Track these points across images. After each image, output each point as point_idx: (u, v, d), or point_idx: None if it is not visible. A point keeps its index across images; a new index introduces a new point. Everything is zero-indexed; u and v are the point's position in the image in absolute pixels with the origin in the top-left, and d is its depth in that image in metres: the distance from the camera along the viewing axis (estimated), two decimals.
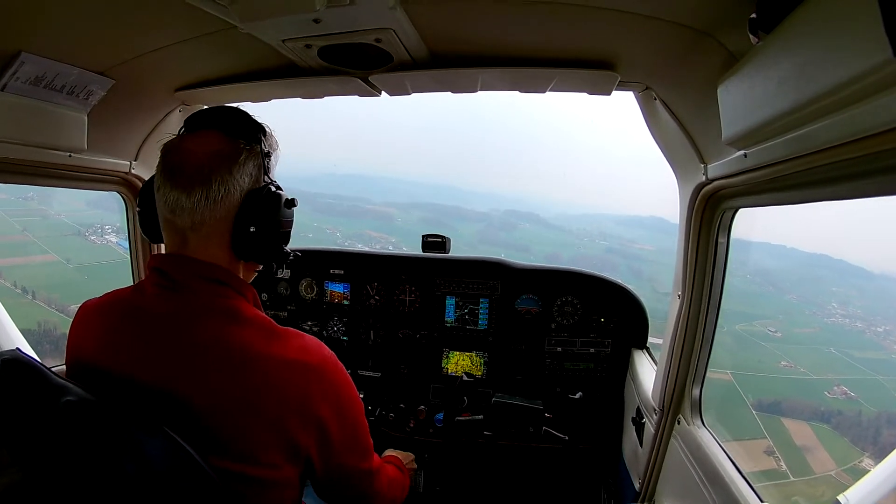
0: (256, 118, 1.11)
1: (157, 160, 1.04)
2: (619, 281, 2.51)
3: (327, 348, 1.08)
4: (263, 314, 1.06)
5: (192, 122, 1.07)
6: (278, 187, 1.09)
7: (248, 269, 1.13)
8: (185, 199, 0.98)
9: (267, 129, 1.12)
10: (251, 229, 1.02)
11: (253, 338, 0.97)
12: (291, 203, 1.11)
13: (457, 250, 2.64)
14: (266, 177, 1.07)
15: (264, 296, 2.72)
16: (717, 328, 1.69)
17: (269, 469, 0.97)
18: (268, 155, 1.08)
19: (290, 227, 1.13)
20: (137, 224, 2.12)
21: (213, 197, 0.99)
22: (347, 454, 1.09)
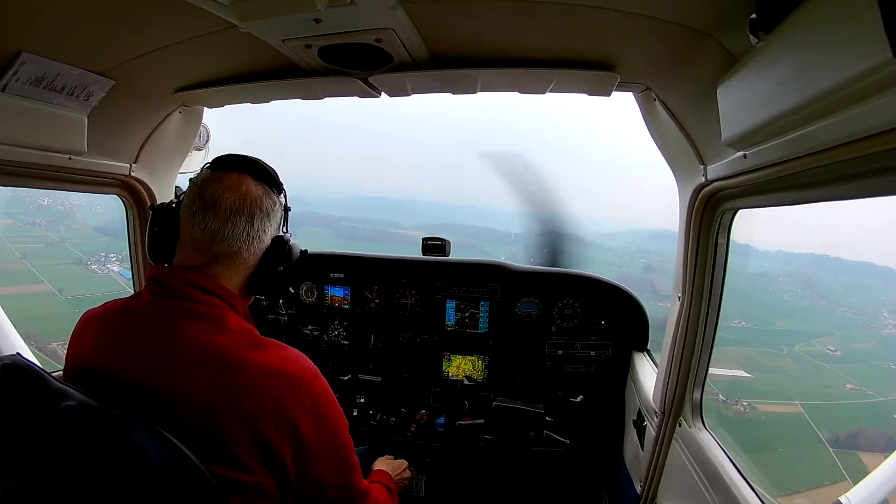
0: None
1: (158, 162, 1.09)
2: (619, 283, 2.50)
3: (309, 361, 1.11)
4: (251, 326, 1.12)
5: (224, 163, 1.16)
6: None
7: (246, 298, 1.22)
8: (228, 230, 1.09)
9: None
10: (280, 268, 1.18)
11: (236, 345, 1.03)
12: (305, 253, 1.30)
13: None
14: (284, 227, 1.25)
15: (264, 300, 2.71)
16: (718, 331, 1.68)
17: (245, 473, 0.99)
18: (288, 209, 1.25)
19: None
20: (138, 228, 2.12)
21: (253, 235, 1.13)
22: (325, 466, 1.10)
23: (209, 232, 1.08)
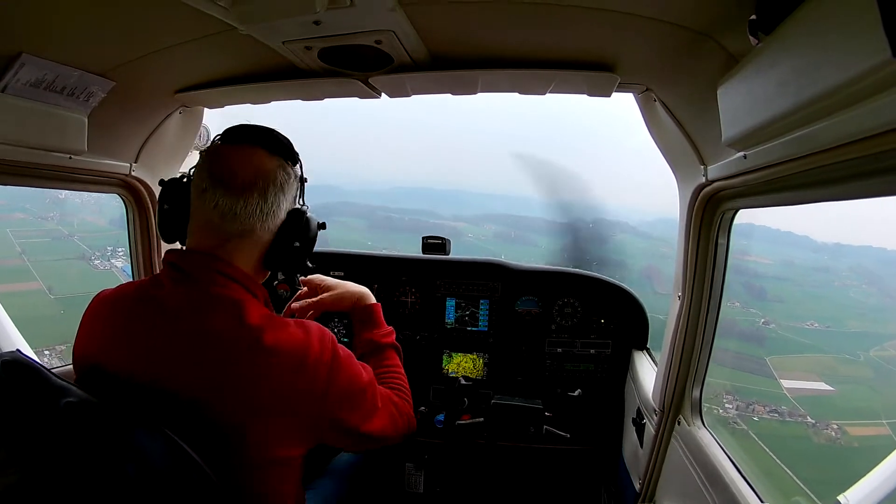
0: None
1: (158, 162, 1.08)
2: (618, 282, 2.51)
3: (326, 332, 1.11)
4: (271, 312, 1.10)
5: (234, 135, 1.11)
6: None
7: (262, 275, 1.19)
8: (240, 207, 1.04)
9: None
10: (296, 244, 1.13)
11: (260, 337, 1.00)
12: (322, 226, 1.24)
13: None
14: (301, 199, 1.20)
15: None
16: (717, 331, 1.69)
17: (275, 454, 1.03)
18: (305, 180, 1.21)
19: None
20: (138, 226, 2.12)
21: (267, 211, 1.08)
22: (361, 420, 1.14)
23: (220, 210, 1.04)
